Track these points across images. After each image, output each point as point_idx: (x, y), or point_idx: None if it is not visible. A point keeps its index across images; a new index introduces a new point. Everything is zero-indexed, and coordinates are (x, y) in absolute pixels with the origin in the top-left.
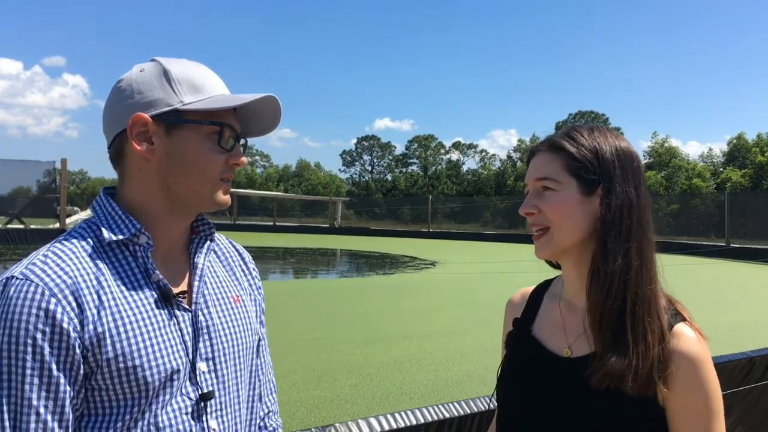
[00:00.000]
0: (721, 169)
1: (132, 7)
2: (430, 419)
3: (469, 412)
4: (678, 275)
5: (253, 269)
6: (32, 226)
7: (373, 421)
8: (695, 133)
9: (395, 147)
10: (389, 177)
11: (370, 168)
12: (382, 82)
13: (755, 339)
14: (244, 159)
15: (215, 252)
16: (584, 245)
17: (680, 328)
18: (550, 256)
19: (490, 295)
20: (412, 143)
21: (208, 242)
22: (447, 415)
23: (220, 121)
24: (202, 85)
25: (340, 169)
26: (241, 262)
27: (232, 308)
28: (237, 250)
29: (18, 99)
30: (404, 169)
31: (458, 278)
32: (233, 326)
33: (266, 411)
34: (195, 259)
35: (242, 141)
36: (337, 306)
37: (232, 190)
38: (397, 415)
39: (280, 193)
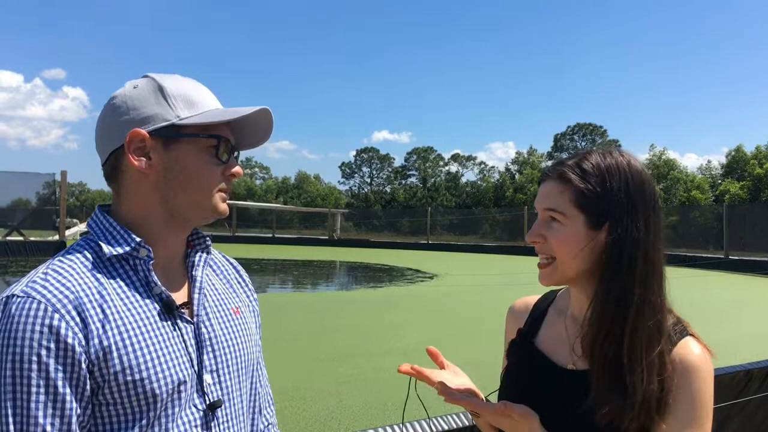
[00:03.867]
0: (720, 181)
1: (132, 21)
2: (430, 430)
3: (468, 424)
4: (676, 287)
5: (248, 281)
6: (31, 238)
7: None
8: (693, 146)
9: (394, 159)
10: (388, 189)
11: (369, 180)
12: (380, 95)
13: (754, 351)
14: (240, 170)
15: (210, 265)
16: (591, 274)
17: (686, 341)
18: (555, 284)
19: (476, 309)
20: (411, 155)
21: (205, 255)
22: (454, 426)
23: (217, 134)
24: (197, 99)
25: (339, 181)
26: (236, 275)
27: (233, 320)
28: (230, 263)
29: (18, 111)
30: (403, 181)
31: (450, 291)
32: (235, 338)
33: (266, 423)
34: (193, 272)
35: (235, 153)
36: (305, 321)
37: (231, 202)
38: (402, 426)
39: (279, 205)
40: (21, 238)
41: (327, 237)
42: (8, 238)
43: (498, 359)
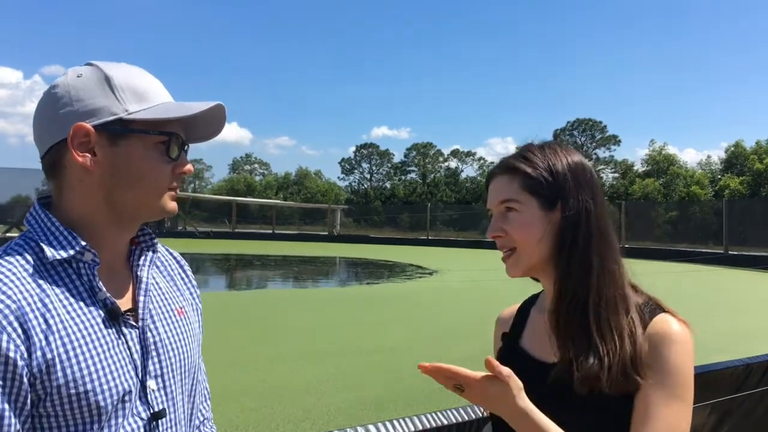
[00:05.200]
0: (719, 177)
1: (130, 17)
2: (428, 426)
3: (467, 419)
4: (676, 283)
5: (192, 277)
6: (15, 237)
7: (371, 427)
8: (692, 141)
9: (393, 155)
10: (388, 185)
11: (368, 176)
12: (379, 91)
13: (753, 346)
14: (191, 167)
15: (155, 263)
16: (552, 257)
17: (662, 316)
18: (522, 274)
19: (473, 305)
20: (411, 151)
21: (150, 254)
22: (446, 422)
23: (168, 131)
24: (146, 92)
25: (339, 177)
26: (180, 271)
27: (177, 321)
28: (175, 258)
29: (17, 108)
30: (403, 177)
31: (448, 287)
32: (179, 340)
33: (202, 419)
34: (138, 273)
35: (186, 147)
36: (297, 318)
37: (232, 198)
38: (395, 422)
39: (279, 201)
40: None
41: (327, 233)
42: (8, 234)
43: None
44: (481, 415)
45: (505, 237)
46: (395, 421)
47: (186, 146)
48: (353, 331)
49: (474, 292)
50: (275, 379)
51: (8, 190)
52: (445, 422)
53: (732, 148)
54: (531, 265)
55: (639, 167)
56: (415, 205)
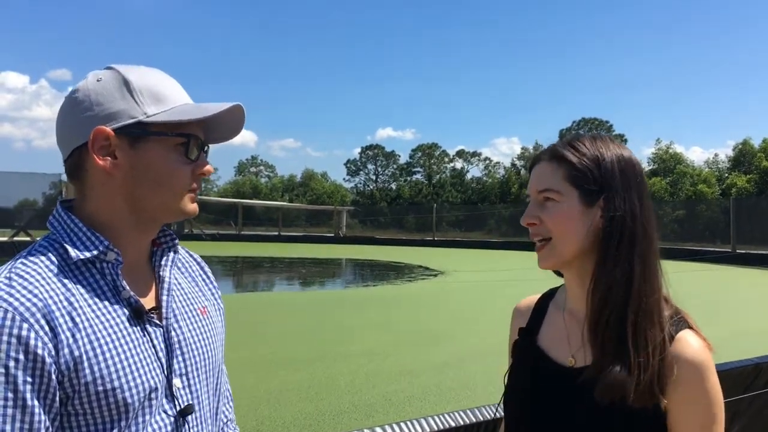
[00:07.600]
0: (727, 175)
1: (135, 21)
2: (437, 428)
3: (475, 420)
4: (683, 282)
5: (212, 278)
6: (38, 239)
7: (378, 430)
8: (698, 140)
9: (399, 156)
10: (393, 186)
11: (374, 177)
12: (383, 92)
13: (762, 345)
14: (210, 167)
15: (176, 264)
16: (586, 255)
17: (685, 335)
18: (553, 266)
19: (459, 308)
20: (416, 152)
21: (172, 254)
22: (453, 425)
23: (186, 132)
24: (164, 94)
25: (344, 179)
26: (201, 272)
27: (200, 320)
28: (194, 259)
29: (24, 112)
30: (408, 178)
31: (444, 289)
32: (203, 339)
33: (225, 420)
34: (161, 273)
35: (205, 148)
36: (269, 323)
37: (237, 200)
38: (402, 424)
39: (284, 203)
40: (28, 239)
41: (333, 234)
42: (15, 238)
43: (478, 361)
44: (489, 417)
45: (540, 225)
46: (402, 424)
47: (206, 147)
48: (334, 336)
49: (472, 294)
50: (236, 388)
51: (15, 194)
52: (453, 424)
53: (740, 146)
54: (565, 259)
55: (645, 166)
56: (420, 206)
